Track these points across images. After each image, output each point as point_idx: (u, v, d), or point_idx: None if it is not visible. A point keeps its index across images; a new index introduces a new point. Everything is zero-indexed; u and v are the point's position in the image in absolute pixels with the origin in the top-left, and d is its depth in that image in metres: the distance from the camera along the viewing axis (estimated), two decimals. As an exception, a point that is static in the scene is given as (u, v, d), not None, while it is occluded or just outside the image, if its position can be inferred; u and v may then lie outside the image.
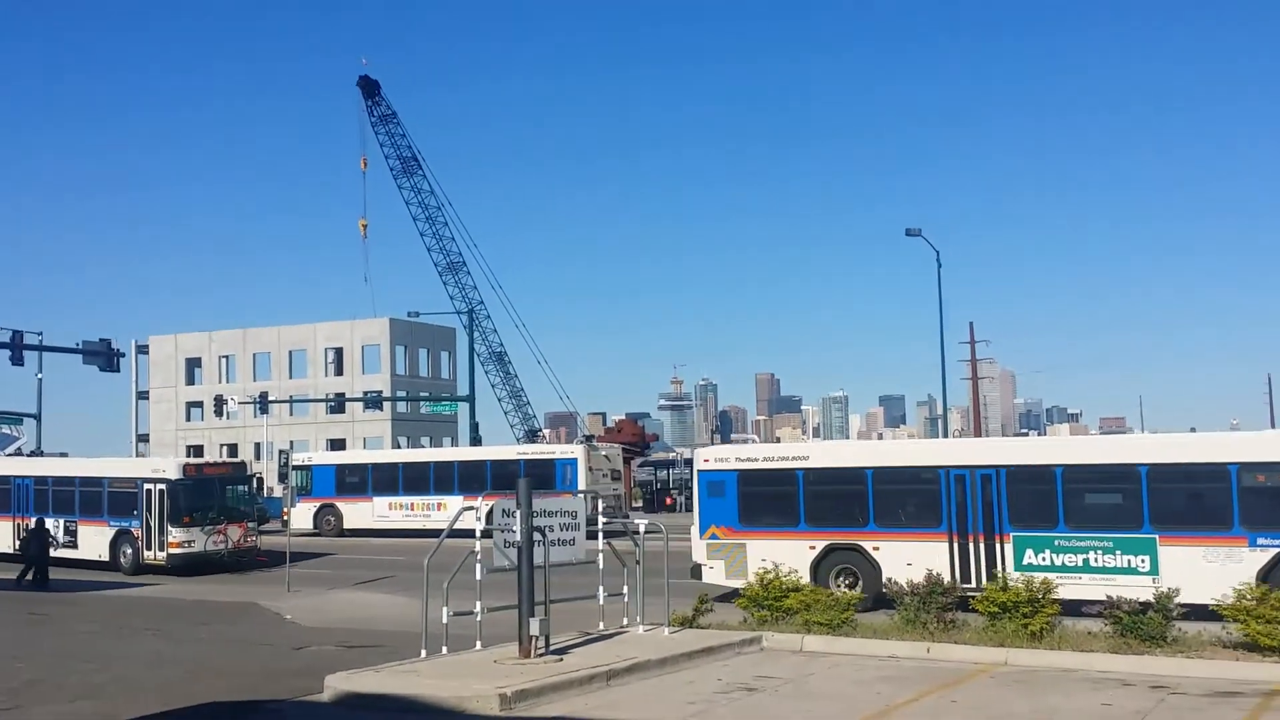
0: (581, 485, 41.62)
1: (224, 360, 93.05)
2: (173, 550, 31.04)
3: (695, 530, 22.98)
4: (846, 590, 19.64)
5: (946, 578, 18.03)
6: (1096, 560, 19.19)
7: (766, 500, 22.59)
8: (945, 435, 77.82)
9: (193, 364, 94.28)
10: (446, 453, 56.84)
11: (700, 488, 23.23)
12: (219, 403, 70.12)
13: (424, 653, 14.47)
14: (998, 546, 19.90)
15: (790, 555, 20.57)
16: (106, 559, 32.20)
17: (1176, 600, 14.95)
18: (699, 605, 17.19)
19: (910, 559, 19.86)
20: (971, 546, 20.27)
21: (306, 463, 47.42)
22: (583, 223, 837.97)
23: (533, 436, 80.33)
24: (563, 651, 14.64)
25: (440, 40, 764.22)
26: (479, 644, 14.77)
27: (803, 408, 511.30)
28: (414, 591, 17.92)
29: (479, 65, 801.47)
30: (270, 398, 74.78)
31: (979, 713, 11.91)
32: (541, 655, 14.22)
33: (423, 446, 77.38)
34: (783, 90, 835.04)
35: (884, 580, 19.16)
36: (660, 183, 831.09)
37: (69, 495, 33.93)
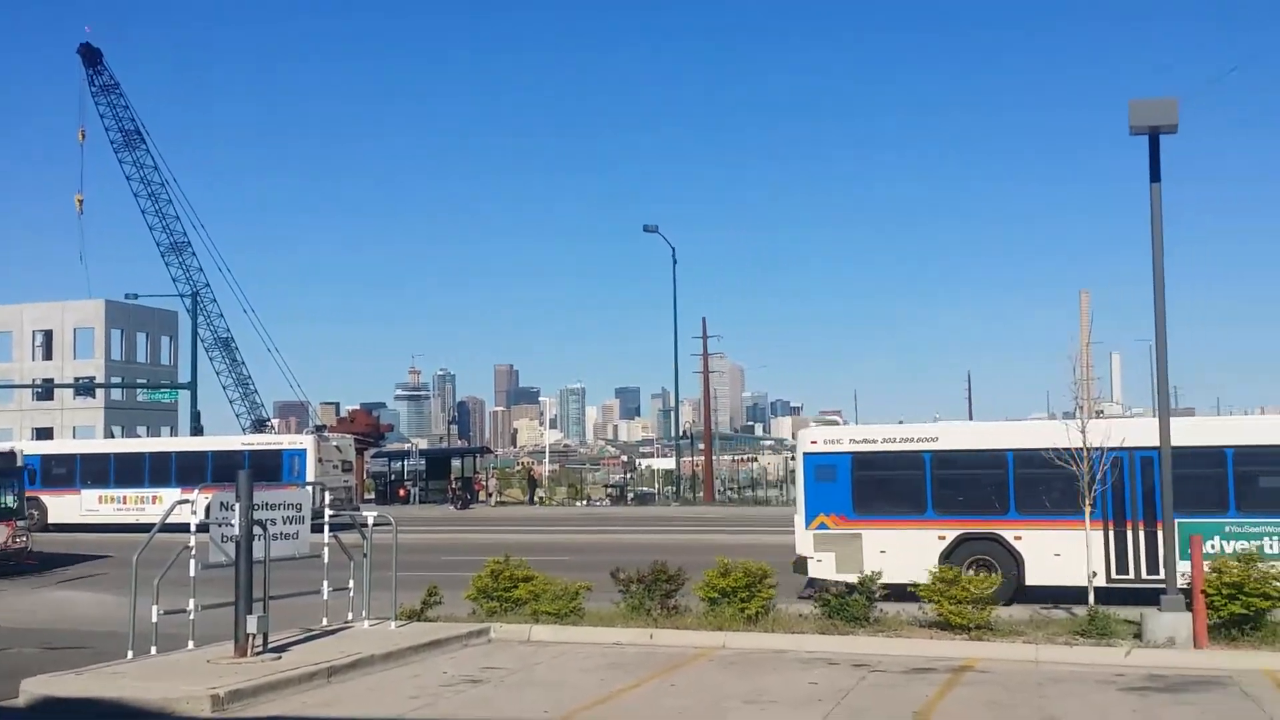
0: (310, 477, 40.42)
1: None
2: None
3: (799, 519, 20.91)
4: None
5: (1100, 570, 17.44)
6: (1272, 547, 18.18)
7: (887, 486, 20.78)
8: (677, 428, 79.99)
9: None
10: (165, 443, 54.23)
11: (806, 472, 21.06)
12: (-92, 387, 64.32)
13: (131, 653, 13.73)
14: (1159, 534, 17.39)
15: (915, 545, 19.38)
16: None
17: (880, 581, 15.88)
18: (427, 598, 17.03)
19: (1058, 549, 18.71)
20: (1130, 535, 19.03)
21: None
22: (319, 209, 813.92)
23: (260, 426, 77.63)
24: (282, 649, 14.19)
25: (176, 18, 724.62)
26: (191, 644, 14.14)
27: (541, 399, 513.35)
28: (124, 590, 16.96)
29: (214, 41, 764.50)
30: (-32, 383, 69.25)
31: (696, 695, 12.32)
32: (259, 654, 13.73)
33: (139, 435, 73.38)
34: (524, 83, 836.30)
35: (1026, 573, 18.69)
36: (397, 172, 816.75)
37: None
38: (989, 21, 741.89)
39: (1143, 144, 15.54)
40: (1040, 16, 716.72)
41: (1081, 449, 16.80)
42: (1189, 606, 14.36)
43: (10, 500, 29.46)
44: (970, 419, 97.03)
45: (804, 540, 20.80)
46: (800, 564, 20.94)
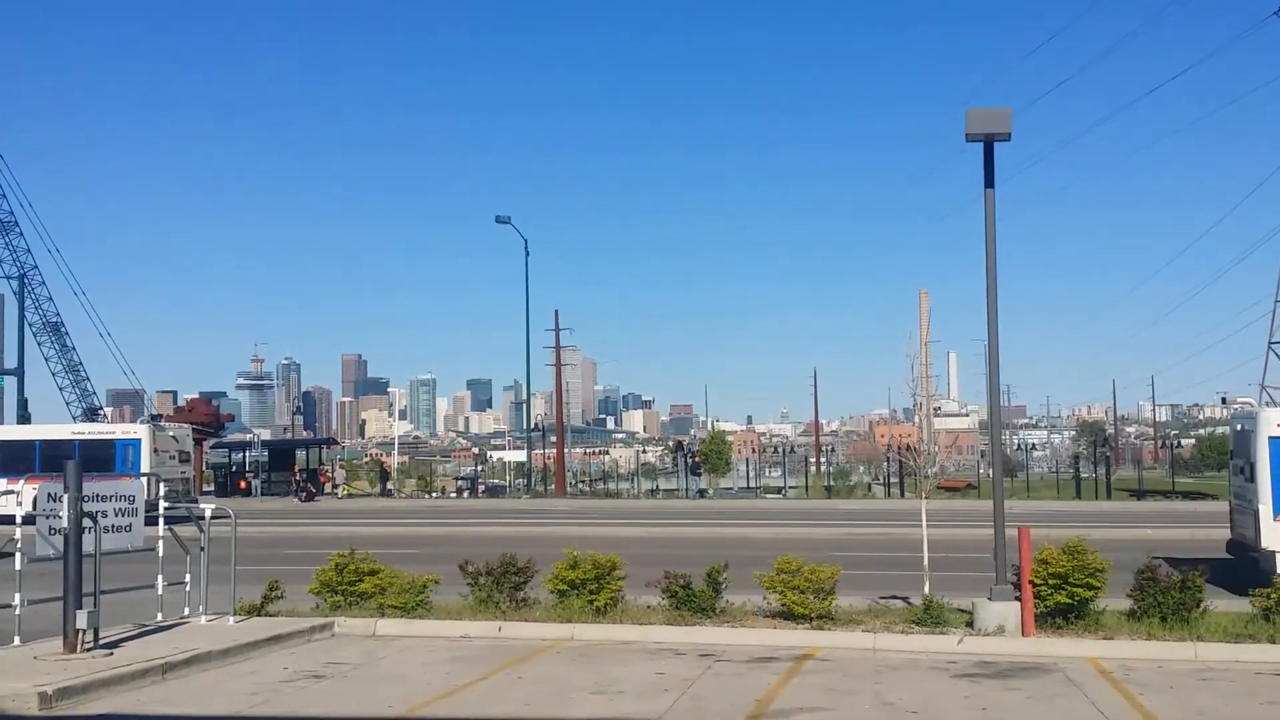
0: (145, 468, 39.05)
1: None
2: None
3: (1265, 510, 19.00)
4: None
5: None
6: None
7: None
8: (529, 420, 79.79)
9: None
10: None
11: (1274, 458, 19.24)
12: None
13: (-51, 652, 13.07)
14: None
15: None
16: None
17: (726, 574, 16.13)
18: (268, 593, 16.62)
19: None
20: None
21: None
22: (155, 192, 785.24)
23: (92, 415, 74.50)
24: (114, 645, 13.68)
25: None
26: (17, 639, 13.52)
27: (390, 389, 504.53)
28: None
29: (39, 20, 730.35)
30: None
31: (543, 686, 12.31)
32: (90, 650, 13.21)
33: (-40, 424, 69.71)
34: (372, 68, 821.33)
35: None
36: (240, 154, 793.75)
37: None
38: (839, 27, 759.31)
39: (978, 150, 16.15)
40: (887, 21, 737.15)
41: None
42: (1018, 596, 14.96)
43: None
44: (816, 414, 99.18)
45: (1273, 532, 18.96)
46: (1269, 559, 18.92)
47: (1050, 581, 15.00)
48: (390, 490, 65.39)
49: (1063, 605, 15.01)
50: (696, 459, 67.13)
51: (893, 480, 61.08)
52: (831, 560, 16.50)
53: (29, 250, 73.12)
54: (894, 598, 17.61)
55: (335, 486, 60.47)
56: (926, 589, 16.41)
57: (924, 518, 17.58)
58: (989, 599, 15.13)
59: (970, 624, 15.14)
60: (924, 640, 14.65)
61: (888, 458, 64.55)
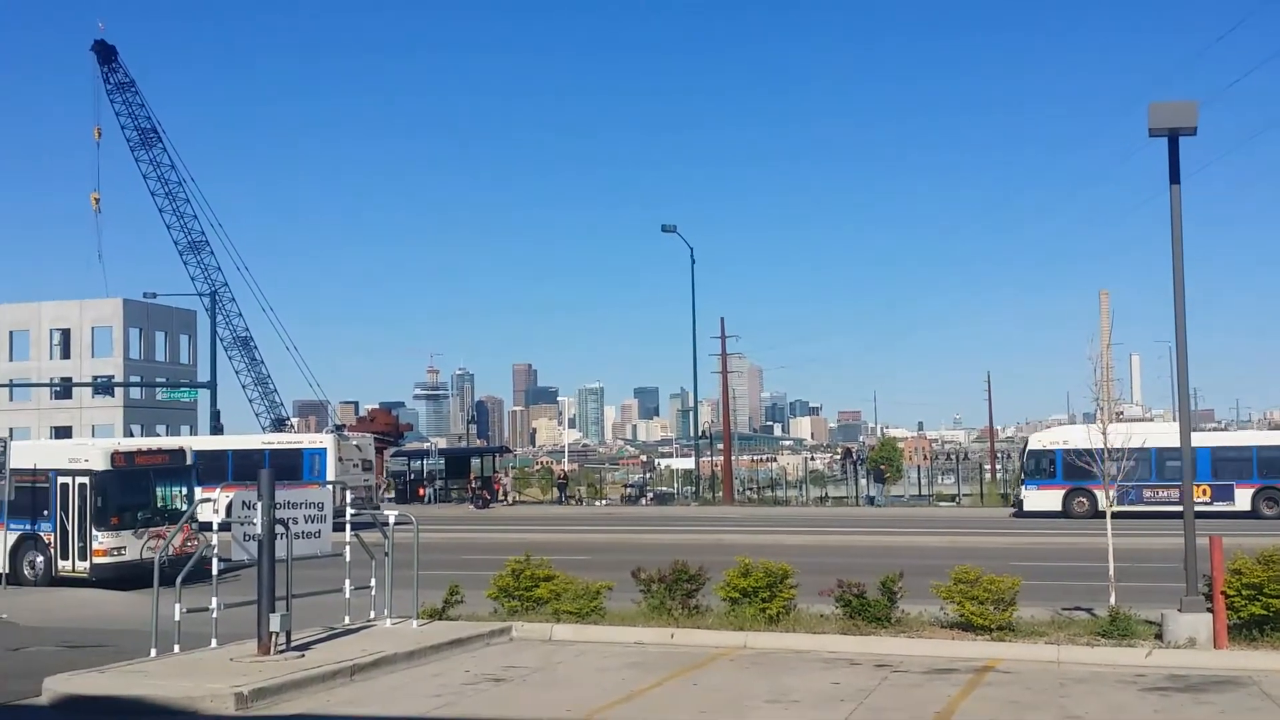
0: (330, 476, 40.66)
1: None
2: (98, 559, 24.92)
3: None
4: None
5: None
6: None
7: None
8: (696, 428, 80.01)
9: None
10: (183, 442, 54.23)
11: None
12: (-72, 386, 64.81)
13: (154, 652, 13.83)
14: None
15: None
16: (4, 570, 24.94)
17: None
18: (449, 597, 17.08)
19: None
20: None
21: None
22: (338, 208, 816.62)
23: (280, 425, 77.88)
24: (305, 647, 14.26)
25: (195, 14, 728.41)
26: (215, 642, 14.22)
27: (559, 399, 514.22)
28: (146, 587, 17.09)
29: (235, 41, 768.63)
30: (-12, 381, 69.73)
31: (718, 694, 12.32)
32: (282, 652, 13.81)
33: (159, 435, 73.72)
34: (545, 83, 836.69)
35: None
36: (418, 169, 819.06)
37: None
38: (1010, 24, 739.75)
39: (1163, 146, 15.52)
40: (1061, 18, 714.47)
41: None
42: (1209, 608, 14.29)
43: (182, 501, 27.07)
44: (990, 422, 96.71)
45: None
46: None
47: (1244, 592, 14.26)
48: (579, 497, 66.20)
49: (1258, 617, 14.24)
50: (882, 466, 66.07)
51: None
52: (1009, 570, 16.08)
53: (219, 268, 77.07)
54: (1077, 609, 17.04)
55: (505, 493, 61.67)
56: (1112, 600, 15.82)
57: (1109, 525, 16.97)
58: (1179, 610, 14.51)
59: (1159, 636, 14.53)
60: (1110, 653, 14.11)
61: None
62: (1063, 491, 42.65)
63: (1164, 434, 43.73)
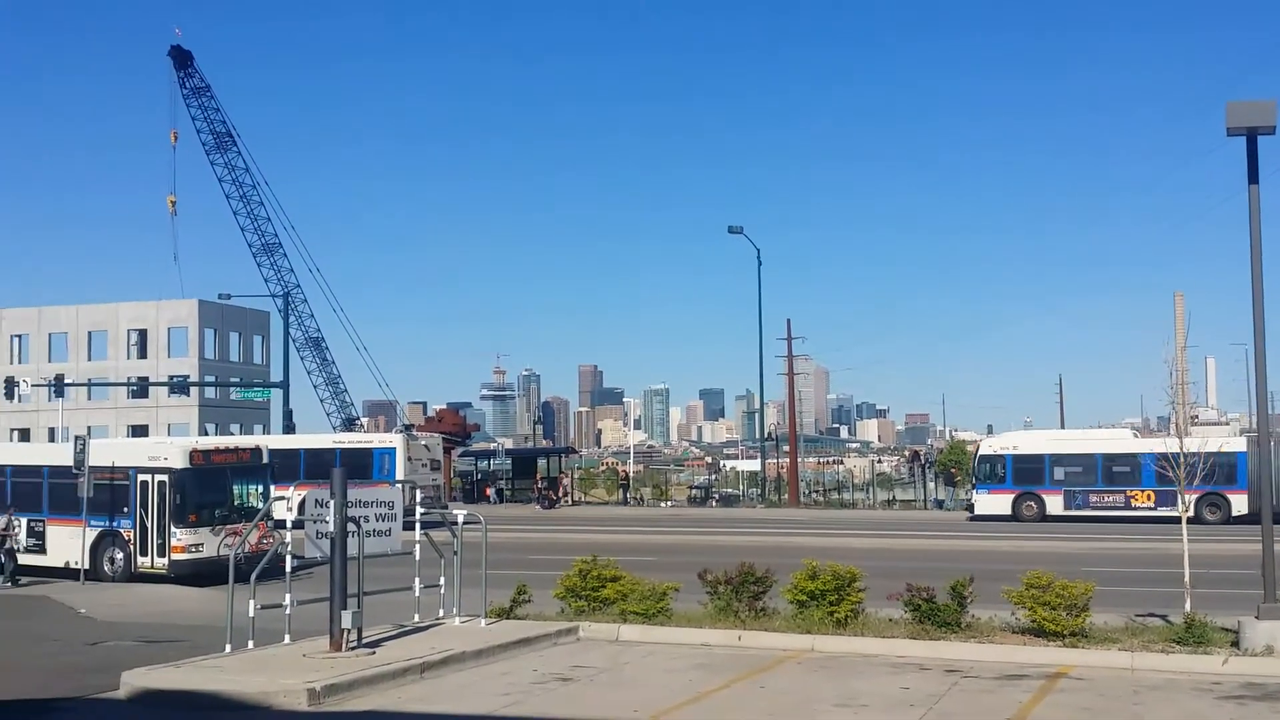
0: (400, 475, 41.09)
1: (16, 340, 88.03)
2: (177, 556, 25.33)
3: None
4: None
5: None
6: None
7: None
8: (762, 429, 79.63)
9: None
10: (258, 441, 55.13)
11: None
12: (9, 384, 66.37)
13: (229, 647, 14.09)
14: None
15: None
16: (84, 566, 25.63)
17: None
18: (516, 596, 17.20)
19: None
20: None
21: None
22: (407, 210, 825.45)
23: (350, 425, 78.79)
24: (376, 644, 14.45)
25: (266, 17, 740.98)
26: (288, 638, 14.46)
27: (624, 400, 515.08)
28: (222, 584, 17.40)
29: (306, 44, 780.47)
30: (66, 380, 71.39)
31: (785, 697, 12.28)
32: (353, 648, 14.00)
33: (233, 434, 74.99)
34: (611, 86, 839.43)
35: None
36: (487, 170, 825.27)
37: (33, 489, 27.48)
38: (1079, 22, 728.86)
39: (1241, 145, 15.24)
40: (1136, 17, 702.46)
41: None
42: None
43: (257, 499, 27.36)
44: (1062, 425, 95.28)
45: None
46: None
47: (1326, 600, 13.95)
48: (640, 499, 66.24)
49: (1340, 624, 13.92)
50: (952, 470, 65.31)
51: (1146, 492, 58.08)
52: (1080, 575, 15.84)
53: (292, 269, 78.04)
54: (1150, 615, 16.75)
55: (567, 494, 61.88)
56: (1188, 606, 15.52)
57: (1184, 531, 16.64)
58: (1256, 617, 14.23)
59: (1235, 644, 14.24)
60: (1185, 660, 13.86)
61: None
62: (1012, 496, 43.29)
63: (1110, 441, 45.39)
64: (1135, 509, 41.33)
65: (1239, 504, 39.46)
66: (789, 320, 68.44)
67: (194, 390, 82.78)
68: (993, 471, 44.28)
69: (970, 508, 46.34)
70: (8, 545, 25.84)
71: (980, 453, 46.91)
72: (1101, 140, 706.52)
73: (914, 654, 14.54)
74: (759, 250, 64.20)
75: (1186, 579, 16.06)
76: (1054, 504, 42.70)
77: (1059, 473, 42.90)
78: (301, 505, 14.88)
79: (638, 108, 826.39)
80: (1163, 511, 39.43)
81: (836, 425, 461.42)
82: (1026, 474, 43.40)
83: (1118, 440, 45.57)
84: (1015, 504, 43.08)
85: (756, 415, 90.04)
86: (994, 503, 43.80)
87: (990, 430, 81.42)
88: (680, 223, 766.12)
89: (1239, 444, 40.52)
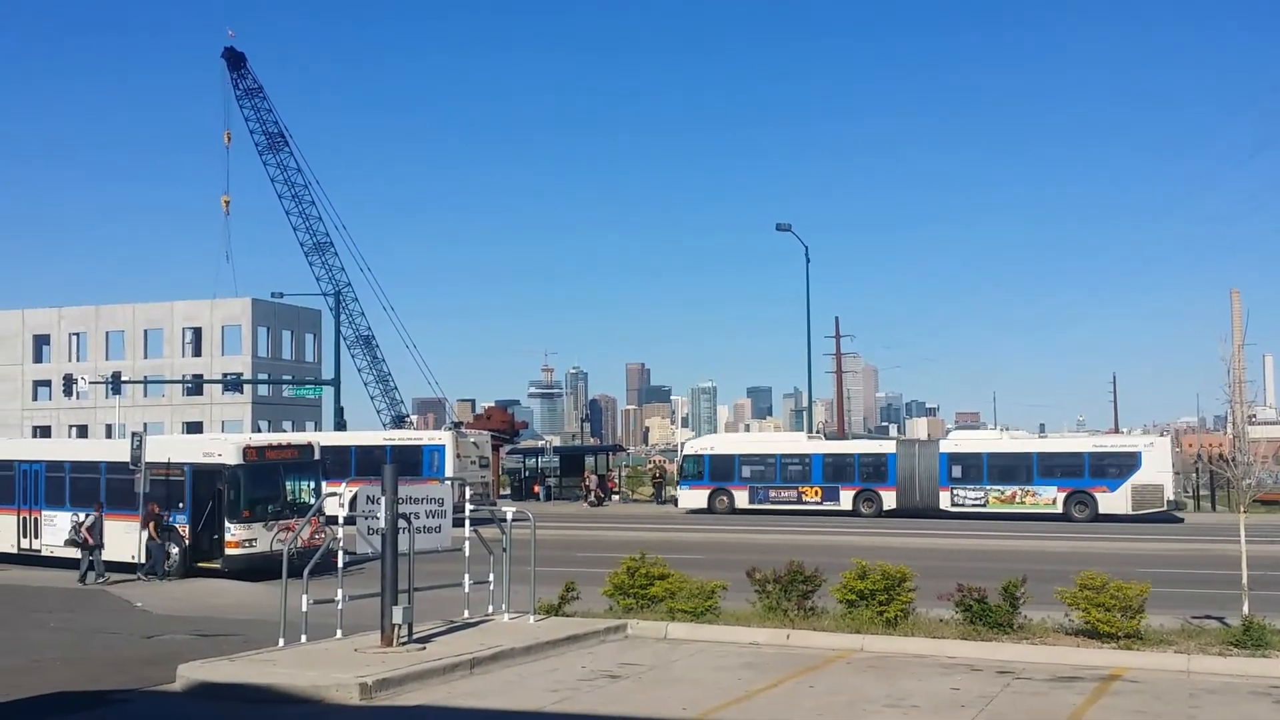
0: (449, 472, 41.34)
1: (74, 338, 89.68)
2: (231, 551, 25.65)
3: None
4: None
5: None
6: None
7: None
8: (810, 428, 79.23)
9: (40, 341, 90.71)
10: (310, 437, 55.72)
11: None
12: (68, 382, 67.60)
13: (282, 641, 14.23)
14: None
15: None
16: (140, 560, 25.89)
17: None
18: (564, 593, 17.24)
19: None
20: None
21: None
22: (456, 208, 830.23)
23: (400, 422, 79.37)
24: (426, 640, 14.54)
25: (316, 18, 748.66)
26: (339, 633, 14.59)
27: (672, 398, 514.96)
28: (275, 579, 17.61)
29: (355, 44, 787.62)
30: (123, 378, 72.52)
31: (834, 697, 12.21)
32: (404, 644, 14.10)
33: (285, 431, 75.77)
34: (658, 83, 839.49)
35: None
36: (534, 170, 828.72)
37: (91, 484, 27.83)
38: (1135, 19, 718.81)
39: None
40: (1195, 16, 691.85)
41: None
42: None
43: (309, 495, 27.65)
44: (1115, 425, 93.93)
45: None
46: None
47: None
48: (673, 498, 66.14)
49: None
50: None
51: (1202, 493, 57.13)
52: (1135, 576, 15.61)
53: (343, 268, 78.72)
54: (1207, 617, 16.51)
55: (618, 490, 61.90)
56: (1245, 609, 15.26)
57: (1242, 532, 16.36)
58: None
59: (1297, 648, 13.97)
60: (1243, 663, 13.63)
61: (1196, 469, 60.35)
62: (708, 491, 47.60)
63: (788, 444, 50.54)
64: (805, 504, 46.02)
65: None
66: (837, 318, 68.33)
67: (247, 388, 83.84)
68: (695, 470, 48.44)
69: (675, 501, 51.17)
70: (92, 542, 25.91)
71: (684, 453, 51.42)
72: (1159, 136, 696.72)
73: (965, 655, 14.41)
74: (807, 247, 63.83)
75: (1244, 580, 15.80)
76: (741, 498, 47.04)
77: (746, 471, 47.42)
78: (353, 501, 15.00)
79: (688, 102, 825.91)
80: (828, 506, 45.55)
81: (885, 423, 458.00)
82: (720, 472, 47.67)
83: (793, 443, 50.19)
84: (710, 498, 47.41)
85: (804, 413, 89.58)
86: (694, 497, 48.04)
87: (1042, 429, 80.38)
88: (728, 219, 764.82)
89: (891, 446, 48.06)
